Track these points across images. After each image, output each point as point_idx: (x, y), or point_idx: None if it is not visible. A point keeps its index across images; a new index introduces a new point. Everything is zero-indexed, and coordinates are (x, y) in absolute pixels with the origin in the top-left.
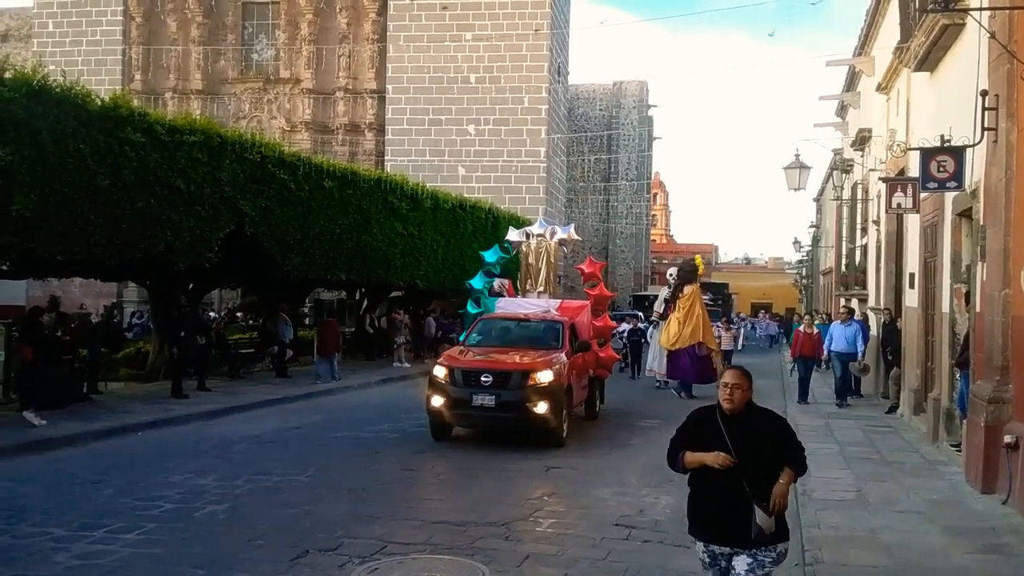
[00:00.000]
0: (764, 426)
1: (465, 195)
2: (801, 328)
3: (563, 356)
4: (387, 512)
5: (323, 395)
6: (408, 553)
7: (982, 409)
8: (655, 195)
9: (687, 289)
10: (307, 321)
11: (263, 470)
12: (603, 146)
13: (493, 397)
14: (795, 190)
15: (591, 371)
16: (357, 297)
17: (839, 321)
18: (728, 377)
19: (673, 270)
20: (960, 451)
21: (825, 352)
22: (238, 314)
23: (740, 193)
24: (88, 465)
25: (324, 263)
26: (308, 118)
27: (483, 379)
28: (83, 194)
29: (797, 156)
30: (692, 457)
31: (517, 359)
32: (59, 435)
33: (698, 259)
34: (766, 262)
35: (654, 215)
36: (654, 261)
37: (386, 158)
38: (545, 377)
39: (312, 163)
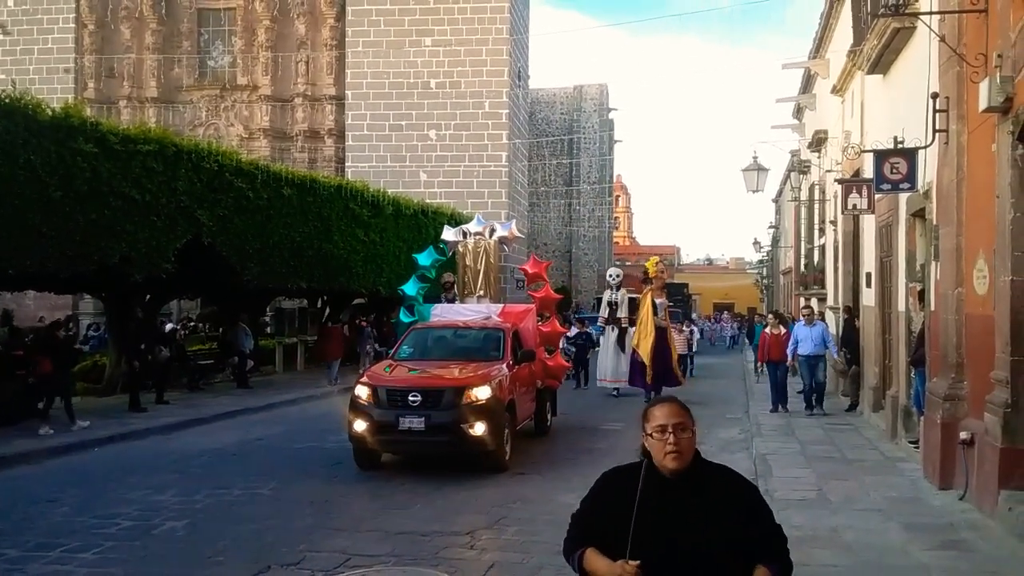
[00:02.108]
0: (720, 502)
1: (427, 201)
2: (767, 329)
3: (504, 368)
4: (350, 524)
5: (285, 406)
6: (372, 565)
7: (938, 406)
8: (617, 198)
9: (642, 292)
10: (268, 330)
11: (224, 484)
12: (565, 150)
13: (422, 419)
14: (753, 192)
15: (539, 382)
16: (319, 305)
17: (803, 322)
18: (662, 414)
19: (612, 271)
20: (918, 447)
21: (790, 357)
22: (196, 324)
23: (701, 194)
24: (44, 483)
25: (284, 272)
26: (266, 125)
27: (411, 399)
28: (34, 206)
29: (755, 158)
30: (593, 566)
31: (451, 374)
32: (13, 452)
33: (650, 262)
34: (727, 263)
35: (617, 218)
36: (617, 263)
37: (346, 164)
38: (482, 394)
39: (270, 171)
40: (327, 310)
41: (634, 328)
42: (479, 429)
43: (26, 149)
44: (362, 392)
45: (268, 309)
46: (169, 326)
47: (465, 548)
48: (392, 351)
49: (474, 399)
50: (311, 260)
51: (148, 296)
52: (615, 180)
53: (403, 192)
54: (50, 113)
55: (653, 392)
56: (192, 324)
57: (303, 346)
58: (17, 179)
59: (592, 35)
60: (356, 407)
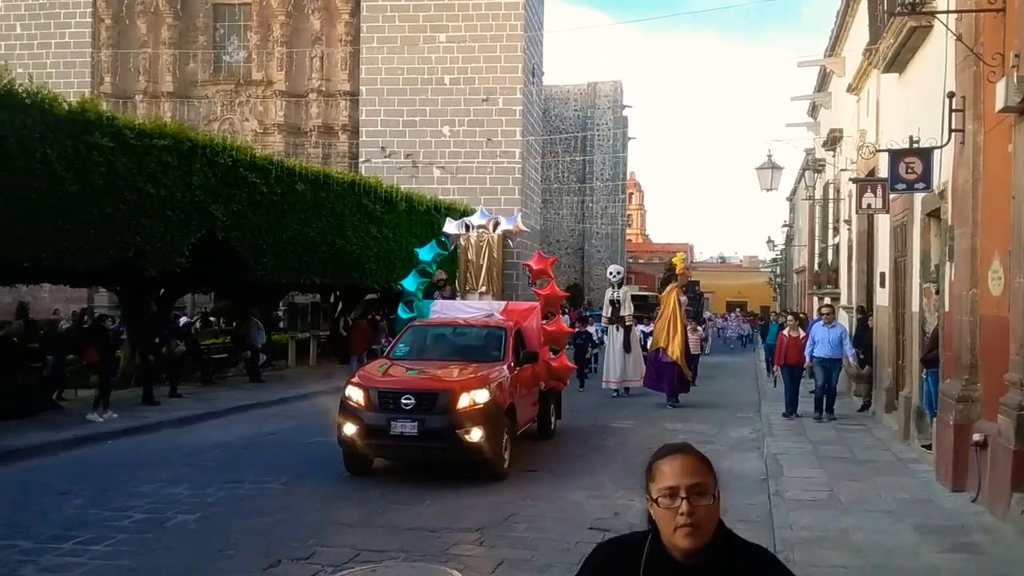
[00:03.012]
0: None
1: (440, 197)
2: (785, 331)
3: (504, 369)
4: (361, 519)
5: (297, 400)
6: (381, 560)
7: (951, 408)
8: (630, 195)
9: (665, 289)
10: (281, 325)
11: (236, 478)
12: (578, 147)
13: (415, 424)
14: (767, 190)
15: (542, 384)
16: (332, 300)
17: (821, 322)
18: (673, 471)
19: (613, 268)
20: (931, 449)
21: (808, 358)
22: (210, 317)
23: (715, 192)
24: (57, 475)
25: (297, 267)
26: (281, 120)
27: (404, 402)
28: (50, 200)
29: (769, 156)
30: None
31: (447, 375)
32: (28, 444)
33: (676, 258)
34: (741, 261)
35: (629, 215)
36: (630, 261)
37: (360, 160)
38: (480, 397)
39: (284, 166)
40: (340, 306)
41: (641, 326)
42: (476, 435)
43: (42, 143)
44: (353, 393)
45: (281, 304)
46: (183, 320)
47: (474, 545)
48: (387, 349)
49: (471, 403)
50: (324, 255)
51: (162, 290)
52: (628, 177)
53: (416, 188)
54: (66, 107)
55: (673, 397)
56: (205, 316)
57: (316, 341)
58: (33, 173)
59: (607, 32)
60: (346, 409)
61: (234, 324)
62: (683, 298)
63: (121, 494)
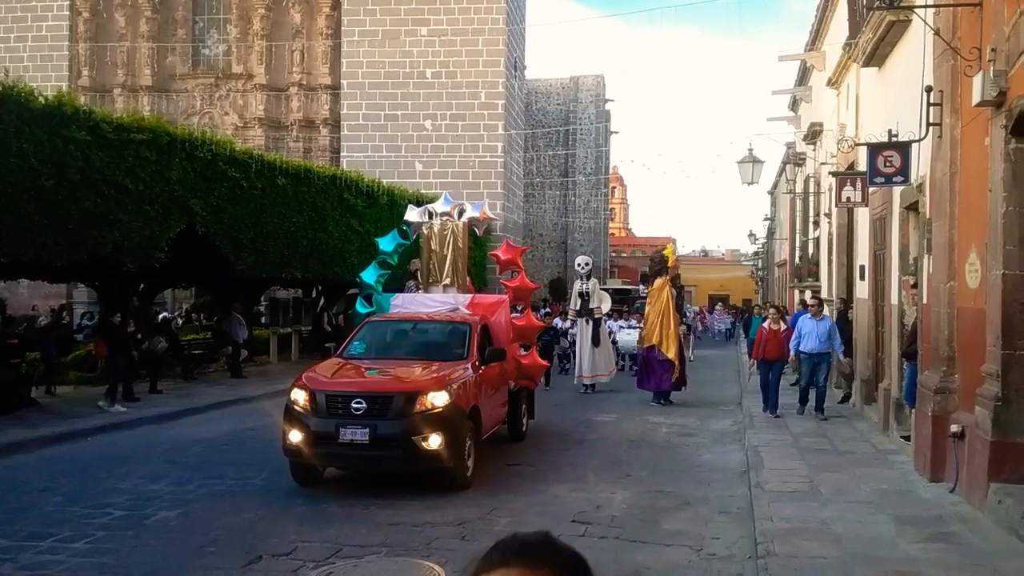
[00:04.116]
0: None
1: (423, 191)
2: (765, 324)
3: (468, 369)
4: (342, 514)
5: (279, 395)
6: (363, 555)
7: (929, 399)
8: (613, 189)
9: (657, 282)
10: (263, 320)
11: (216, 474)
12: (560, 141)
13: (367, 430)
14: (748, 184)
15: (512, 383)
16: (314, 295)
17: (809, 315)
18: None
19: (581, 259)
20: (910, 440)
21: (792, 352)
22: (192, 314)
23: (697, 186)
24: (36, 472)
25: (278, 262)
26: (261, 114)
27: (354, 406)
28: (27, 194)
29: (750, 151)
30: None
31: (403, 376)
32: (6, 442)
33: (668, 249)
34: (723, 254)
35: (612, 209)
36: (613, 255)
37: (342, 154)
38: (439, 400)
39: (265, 160)
40: (322, 301)
41: (622, 321)
42: (434, 442)
43: (18, 137)
44: (298, 397)
45: (262, 299)
46: (163, 315)
47: (456, 539)
48: (340, 348)
49: (429, 406)
50: (305, 250)
51: (142, 285)
52: (611, 171)
53: (398, 182)
54: (43, 101)
55: (663, 397)
56: (188, 312)
57: (297, 336)
58: (9, 168)
59: (589, 26)
60: (291, 415)
61: (215, 319)
62: (673, 291)
63: (100, 491)
